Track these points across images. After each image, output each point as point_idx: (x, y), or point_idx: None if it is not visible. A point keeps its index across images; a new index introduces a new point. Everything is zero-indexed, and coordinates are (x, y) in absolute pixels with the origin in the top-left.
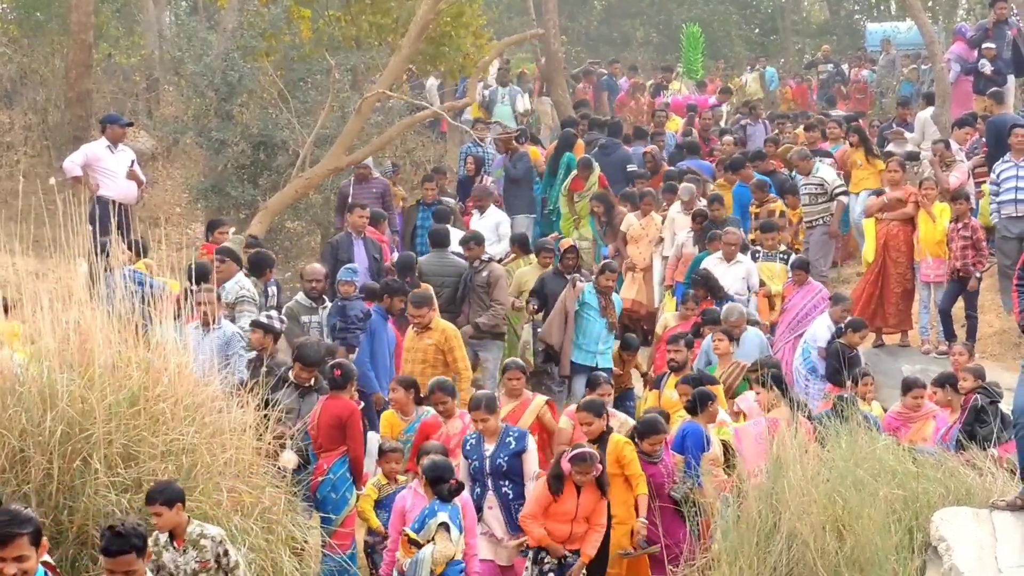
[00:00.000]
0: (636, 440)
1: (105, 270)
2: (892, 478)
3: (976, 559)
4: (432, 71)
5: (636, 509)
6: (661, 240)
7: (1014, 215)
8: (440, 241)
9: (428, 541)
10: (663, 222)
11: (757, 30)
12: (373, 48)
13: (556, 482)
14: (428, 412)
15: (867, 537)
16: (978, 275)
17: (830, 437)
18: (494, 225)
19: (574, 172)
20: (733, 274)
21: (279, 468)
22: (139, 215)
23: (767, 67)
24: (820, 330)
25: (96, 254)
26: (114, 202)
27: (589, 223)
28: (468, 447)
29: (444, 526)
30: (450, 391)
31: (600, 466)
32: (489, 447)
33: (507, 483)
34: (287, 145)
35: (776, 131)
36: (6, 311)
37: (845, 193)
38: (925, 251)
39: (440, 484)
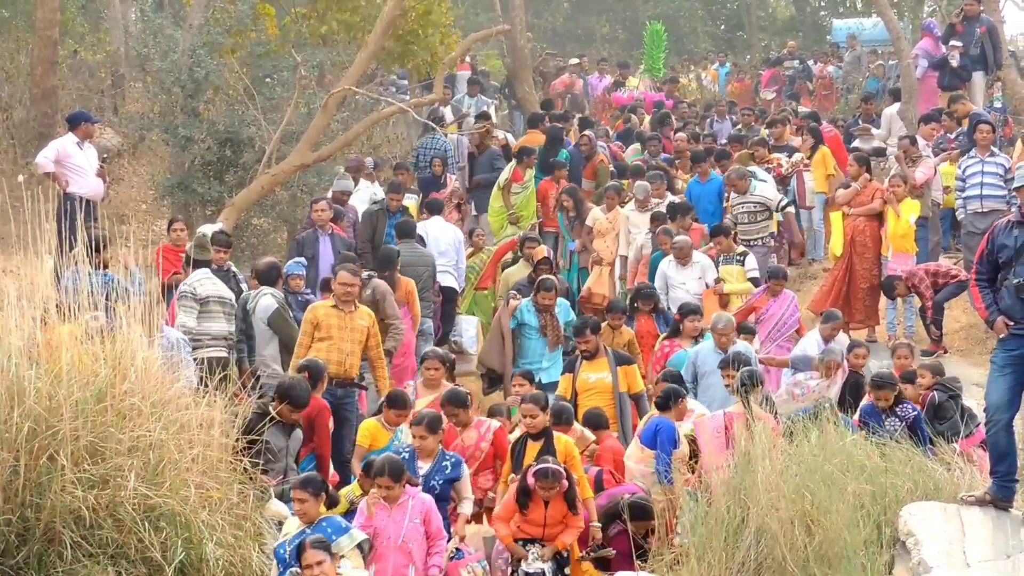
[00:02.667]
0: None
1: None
2: (860, 473)
3: (944, 554)
4: (398, 68)
5: (588, 512)
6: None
7: (980, 210)
8: (409, 232)
9: (341, 557)
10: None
11: (723, 26)
12: (339, 45)
13: (523, 496)
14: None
15: (836, 532)
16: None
17: (799, 432)
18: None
19: (512, 163)
20: (688, 275)
21: (269, 520)
22: (104, 212)
23: (724, 63)
24: (811, 348)
25: (62, 251)
26: (82, 199)
27: (559, 220)
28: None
29: (360, 546)
30: (462, 402)
31: (567, 482)
32: (424, 466)
33: None
34: (253, 142)
35: (740, 127)
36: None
37: (791, 203)
38: (890, 246)
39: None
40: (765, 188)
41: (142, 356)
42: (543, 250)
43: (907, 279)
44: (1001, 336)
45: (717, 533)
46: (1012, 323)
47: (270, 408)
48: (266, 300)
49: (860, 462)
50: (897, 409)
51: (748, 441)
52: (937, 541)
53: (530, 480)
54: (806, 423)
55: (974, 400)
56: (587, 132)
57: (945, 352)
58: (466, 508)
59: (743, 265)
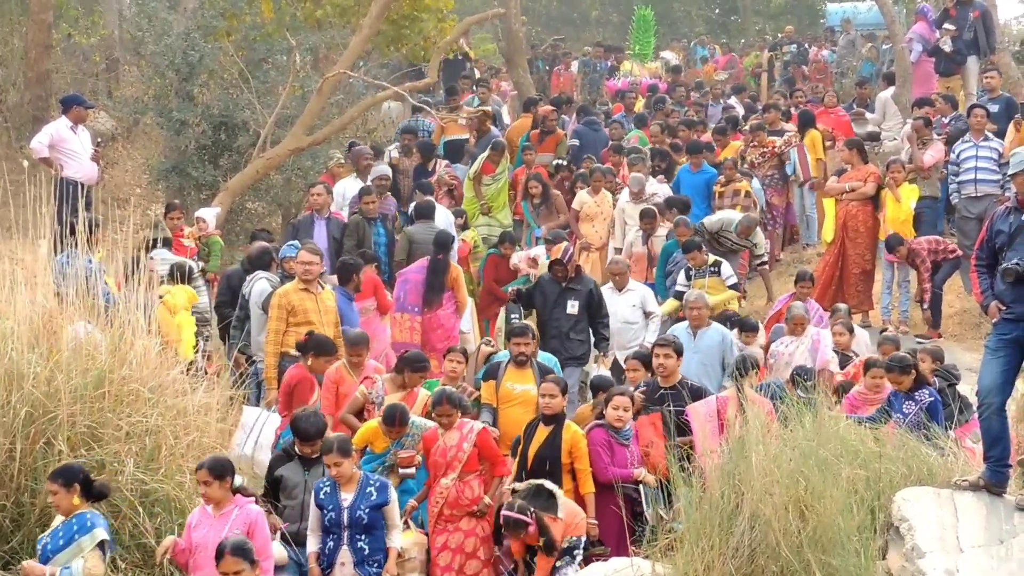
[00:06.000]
0: (602, 410)
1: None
2: (855, 458)
3: (938, 539)
4: (395, 52)
5: (585, 508)
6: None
7: (974, 195)
8: (429, 213)
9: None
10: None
11: (717, 10)
12: (334, 28)
13: (498, 534)
14: (421, 424)
15: (830, 517)
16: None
17: (793, 417)
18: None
19: (485, 154)
20: (624, 302)
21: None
22: (100, 195)
23: (704, 45)
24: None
25: (62, 235)
26: (78, 183)
27: (524, 207)
28: (322, 495)
29: (102, 545)
30: (457, 403)
31: (534, 529)
32: (347, 496)
33: (364, 537)
34: (248, 125)
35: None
36: (186, 279)
37: (764, 264)
38: (890, 231)
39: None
40: (760, 237)
41: (141, 343)
42: (559, 249)
43: (910, 250)
44: (994, 320)
45: (711, 518)
46: (1004, 307)
47: (295, 449)
48: (261, 284)
49: (854, 447)
50: (916, 394)
51: (742, 426)
52: (931, 526)
53: (501, 519)
54: (800, 408)
55: (968, 385)
56: (545, 108)
57: (940, 337)
58: (395, 540)
59: (719, 275)
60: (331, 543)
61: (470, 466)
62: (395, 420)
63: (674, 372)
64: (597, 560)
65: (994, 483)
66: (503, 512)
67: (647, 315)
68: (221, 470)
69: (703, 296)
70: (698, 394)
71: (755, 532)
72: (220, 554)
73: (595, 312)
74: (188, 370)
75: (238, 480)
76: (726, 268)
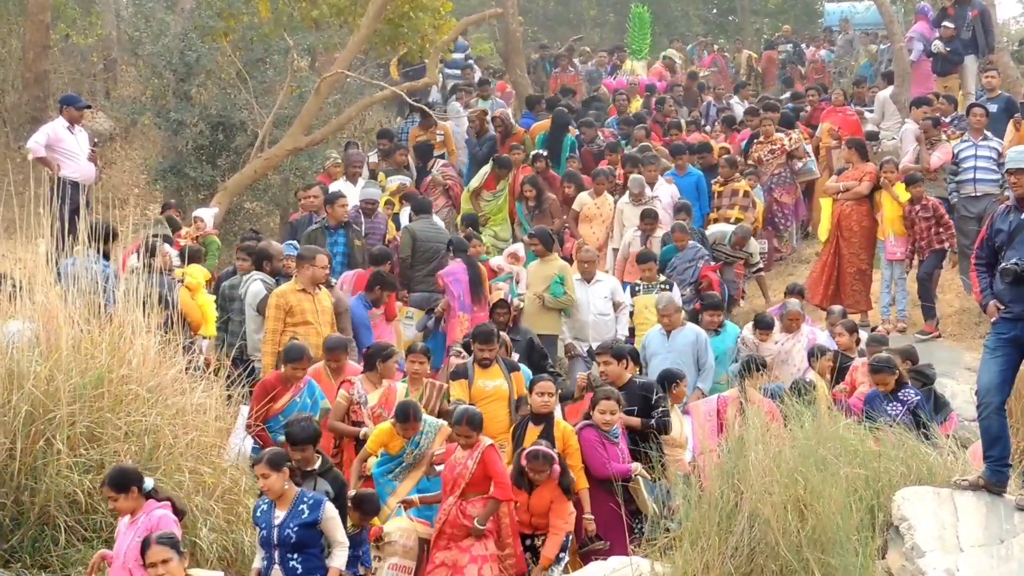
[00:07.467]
0: (589, 411)
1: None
2: (854, 458)
3: (937, 538)
4: (391, 51)
5: (580, 504)
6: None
7: (973, 194)
8: (426, 209)
9: None
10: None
11: (714, 10)
12: (331, 28)
13: (519, 477)
14: (434, 423)
15: (829, 517)
16: (949, 248)
17: (792, 417)
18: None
19: (488, 168)
20: (595, 293)
21: None
22: (97, 196)
23: (703, 45)
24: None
25: (63, 236)
26: (76, 183)
27: (518, 209)
28: (259, 513)
29: None
30: (478, 425)
31: (559, 468)
32: (280, 514)
33: (296, 556)
34: (246, 126)
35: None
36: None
37: (760, 271)
38: (889, 230)
39: None
40: (755, 246)
41: (140, 342)
42: (503, 289)
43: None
44: (993, 320)
45: (710, 517)
46: (1002, 307)
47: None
48: (256, 286)
49: (853, 447)
50: (900, 394)
51: (741, 425)
52: (930, 526)
53: (522, 461)
54: (799, 408)
55: (967, 385)
56: (500, 111)
57: (939, 335)
58: (337, 559)
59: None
60: (266, 562)
61: (475, 486)
62: (409, 416)
63: (620, 375)
64: (597, 555)
65: (994, 482)
66: (528, 448)
67: (616, 306)
68: (122, 481)
69: (673, 300)
70: (648, 389)
71: (754, 531)
72: (146, 546)
73: (538, 361)
74: (195, 364)
75: (148, 484)
76: (676, 291)
